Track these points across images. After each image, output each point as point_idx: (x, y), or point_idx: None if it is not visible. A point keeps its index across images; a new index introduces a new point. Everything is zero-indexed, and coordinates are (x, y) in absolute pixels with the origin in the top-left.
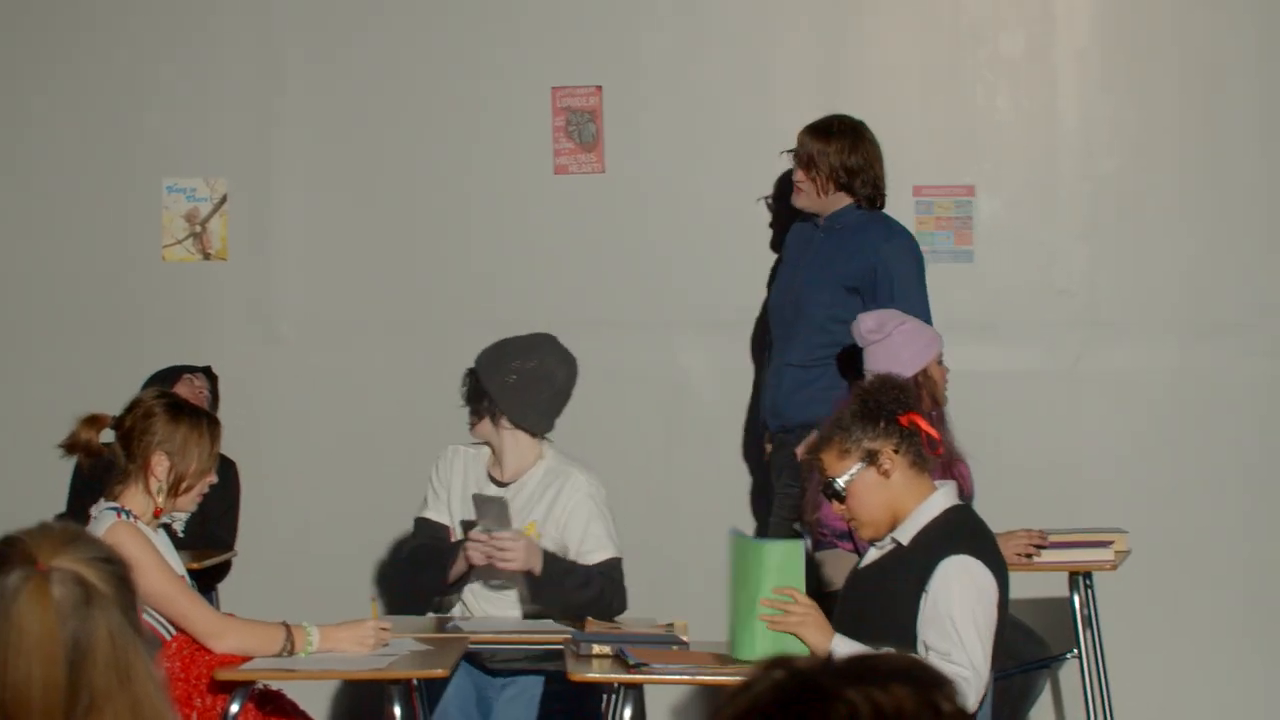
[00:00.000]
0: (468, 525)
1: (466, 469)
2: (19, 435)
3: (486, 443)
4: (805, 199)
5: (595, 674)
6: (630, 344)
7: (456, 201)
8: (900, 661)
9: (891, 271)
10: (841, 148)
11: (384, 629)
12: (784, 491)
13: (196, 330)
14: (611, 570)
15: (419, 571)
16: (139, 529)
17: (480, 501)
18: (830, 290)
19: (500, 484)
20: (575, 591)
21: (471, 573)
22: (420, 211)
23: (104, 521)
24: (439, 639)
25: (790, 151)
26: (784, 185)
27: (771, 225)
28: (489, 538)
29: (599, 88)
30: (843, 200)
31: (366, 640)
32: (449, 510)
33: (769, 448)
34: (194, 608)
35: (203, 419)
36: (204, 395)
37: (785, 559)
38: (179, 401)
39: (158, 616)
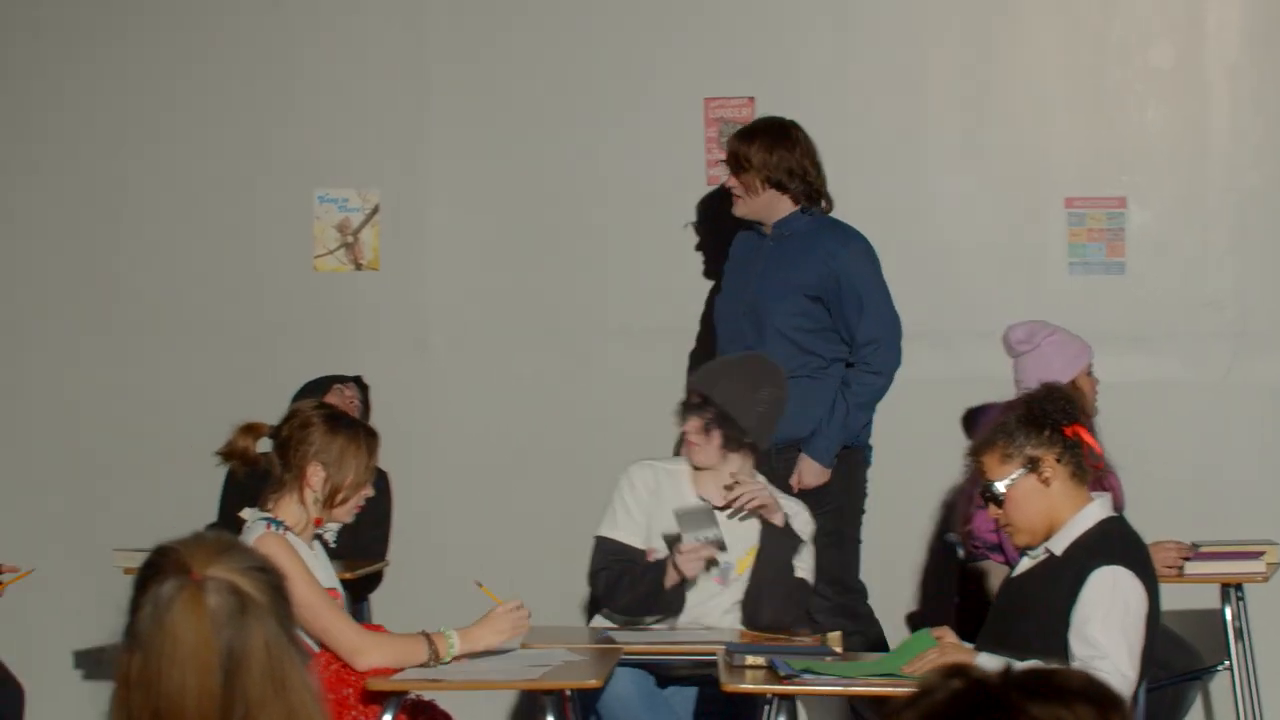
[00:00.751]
0: (671, 540)
1: (661, 486)
2: (172, 443)
3: (696, 464)
4: (743, 206)
5: (748, 685)
6: None
7: (608, 210)
8: (1077, 679)
9: (854, 279)
10: (766, 146)
11: (517, 608)
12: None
13: (348, 340)
14: (805, 584)
15: (619, 597)
16: (288, 541)
17: (684, 514)
18: (791, 300)
19: (716, 507)
20: (791, 575)
21: (685, 585)
22: (570, 220)
23: (254, 532)
24: (592, 649)
25: (723, 161)
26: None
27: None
28: (702, 545)
29: (751, 99)
30: (783, 204)
31: (503, 629)
32: (645, 531)
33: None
34: (337, 623)
35: (360, 431)
36: (355, 405)
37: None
38: (337, 413)
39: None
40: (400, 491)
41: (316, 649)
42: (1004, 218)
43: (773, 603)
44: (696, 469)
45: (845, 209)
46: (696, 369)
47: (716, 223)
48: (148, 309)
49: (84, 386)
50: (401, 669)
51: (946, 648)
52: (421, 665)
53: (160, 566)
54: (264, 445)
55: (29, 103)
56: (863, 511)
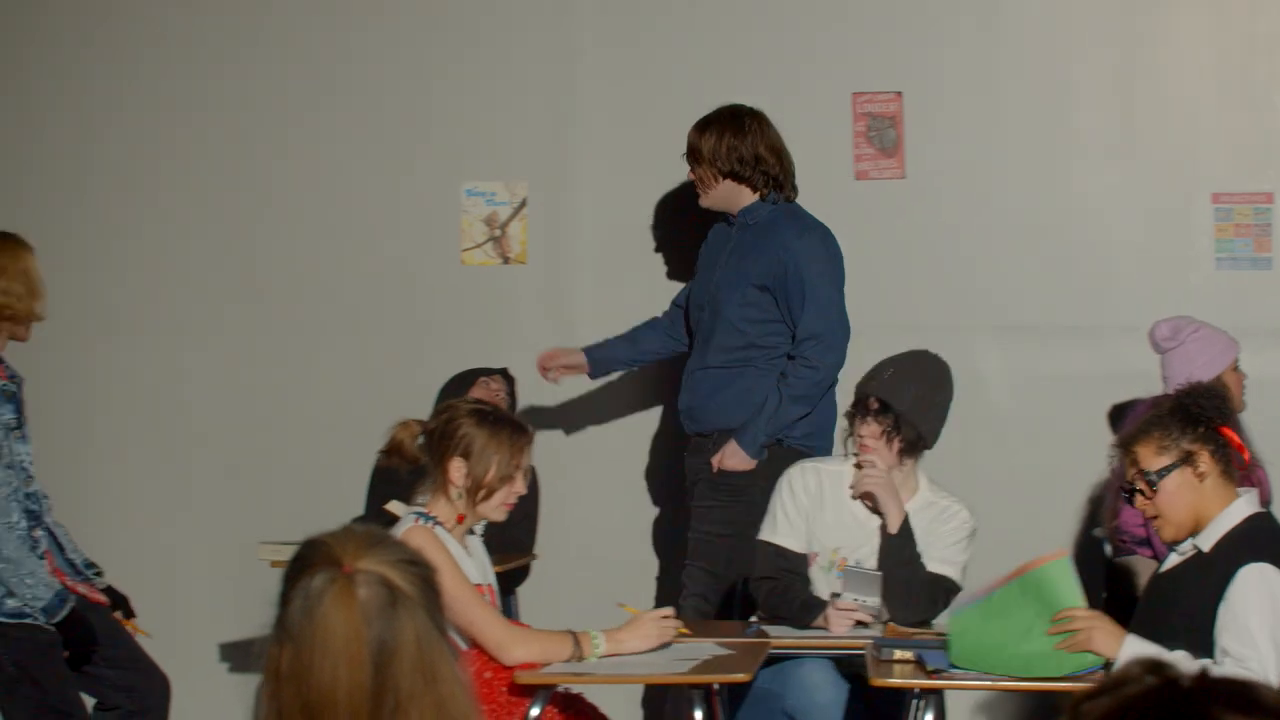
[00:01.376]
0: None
1: (823, 489)
2: (320, 437)
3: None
4: (705, 197)
5: (896, 679)
6: (929, 348)
7: None
8: (1273, 696)
9: (801, 270)
10: (716, 136)
11: (665, 618)
12: (701, 504)
13: (495, 335)
14: (943, 580)
15: (776, 611)
16: (436, 535)
17: (853, 573)
18: (741, 290)
19: (879, 513)
20: (916, 571)
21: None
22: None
23: (403, 526)
24: (740, 643)
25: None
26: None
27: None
28: (862, 607)
29: (899, 93)
30: (743, 194)
31: (650, 635)
32: (805, 536)
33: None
34: (485, 617)
35: (505, 427)
36: (502, 398)
37: (1057, 574)
38: (487, 409)
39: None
40: (547, 488)
41: (464, 645)
42: (1151, 213)
43: (897, 598)
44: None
45: (992, 202)
46: (873, 371)
47: (861, 219)
48: (297, 305)
49: (233, 382)
50: (548, 664)
51: (1096, 625)
52: (565, 662)
53: (310, 560)
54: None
55: (171, 99)
56: None
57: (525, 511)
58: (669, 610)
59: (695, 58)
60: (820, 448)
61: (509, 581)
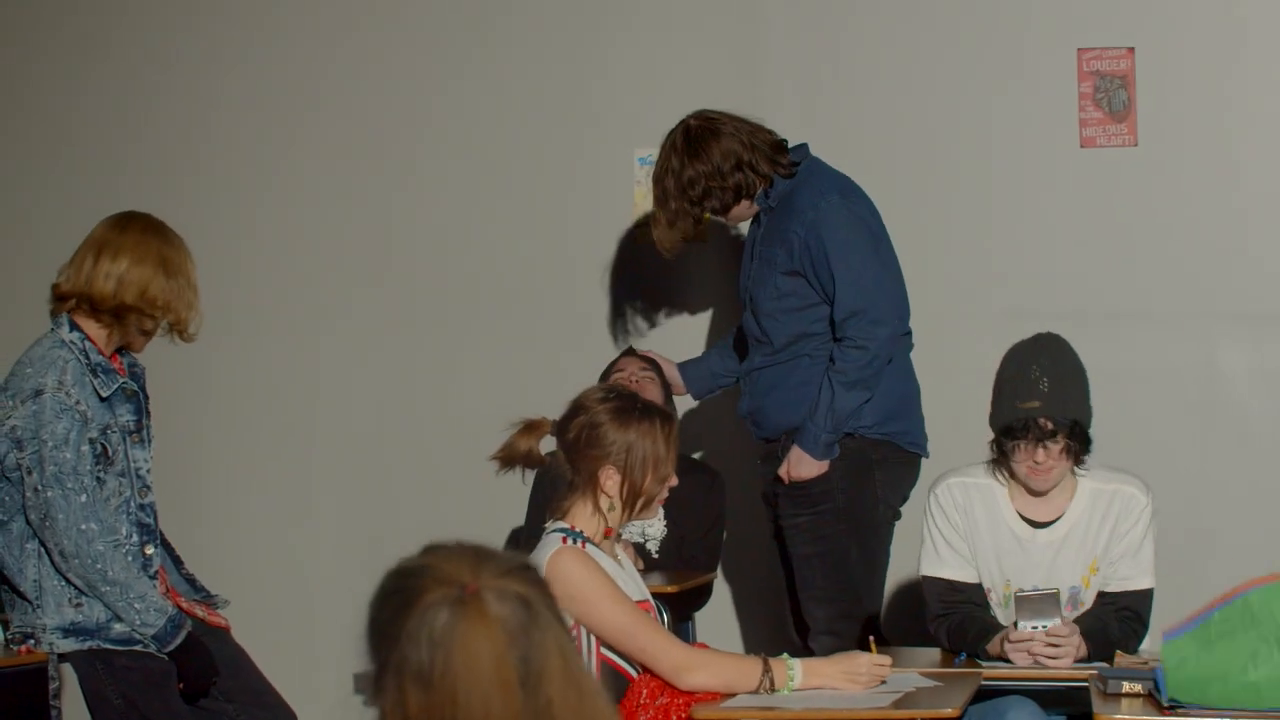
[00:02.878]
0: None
1: (971, 504)
2: (475, 445)
3: (1040, 491)
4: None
5: (1125, 715)
6: (1162, 340)
7: (970, 178)
8: None
9: (823, 242)
10: (675, 175)
11: (881, 664)
12: (788, 521)
13: (671, 317)
14: (1142, 605)
15: (961, 648)
16: (588, 554)
17: (1025, 600)
18: (772, 280)
19: (1040, 524)
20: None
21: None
22: (928, 188)
23: (549, 546)
24: (948, 674)
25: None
26: None
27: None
28: (1040, 634)
29: (1131, 49)
30: (741, 203)
31: (859, 676)
32: (972, 559)
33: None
34: (655, 639)
35: (655, 417)
36: (643, 382)
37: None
38: (625, 401)
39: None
40: (735, 492)
41: (638, 672)
42: None
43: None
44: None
45: (1236, 174)
46: (1017, 384)
47: (1087, 192)
48: (442, 293)
49: (369, 379)
50: (732, 694)
51: None
52: (750, 692)
53: (416, 588)
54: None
55: (302, 80)
56: (883, 523)
57: (707, 524)
58: (888, 659)
59: (896, 14)
60: (901, 433)
61: (683, 606)
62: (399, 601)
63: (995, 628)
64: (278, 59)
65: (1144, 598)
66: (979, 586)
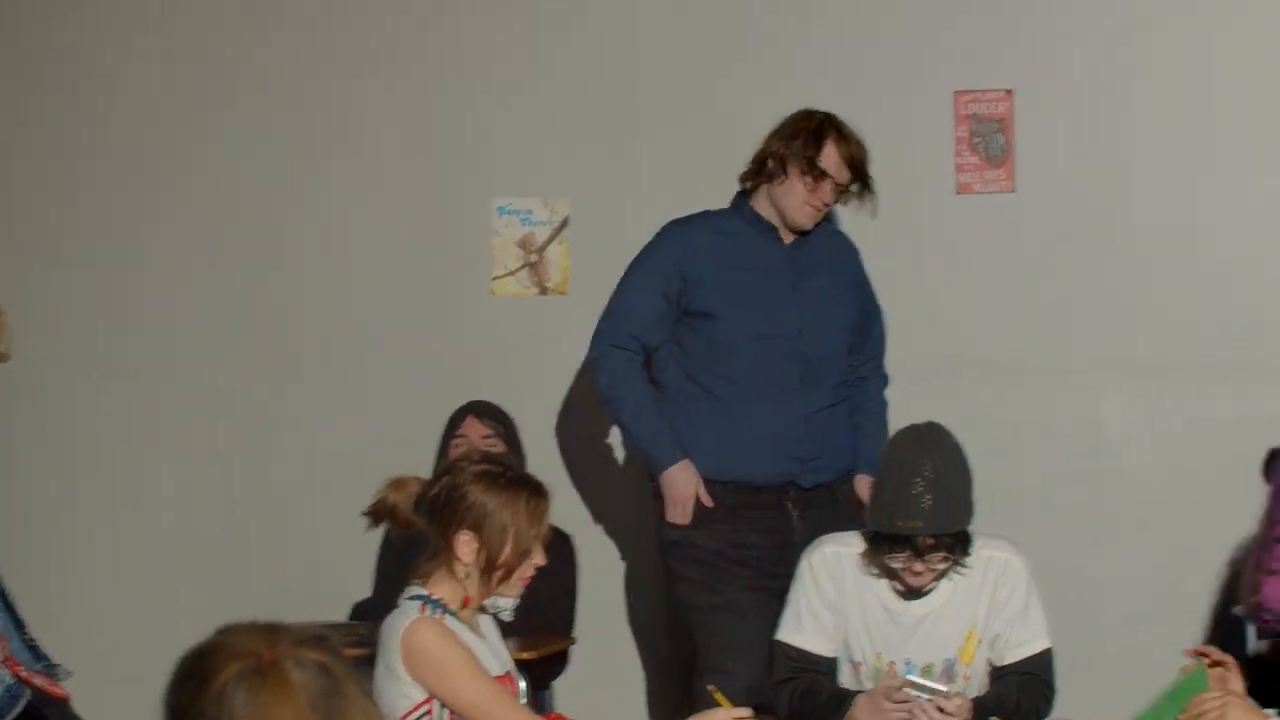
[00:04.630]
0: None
1: (848, 577)
2: (324, 500)
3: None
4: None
5: None
6: (1041, 391)
7: (843, 224)
8: None
9: (864, 273)
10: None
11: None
12: None
13: (530, 376)
14: (1042, 668)
15: (805, 716)
16: (445, 625)
17: (914, 686)
18: (846, 311)
19: (913, 595)
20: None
21: None
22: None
23: (406, 615)
24: None
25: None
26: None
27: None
28: (928, 701)
29: (1010, 92)
30: None
31: None
32: (832, 632)
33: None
34: (512, 716)
35: (523, 490)
36: (491, 444)
37: (1192, 684)
38: (498, 470)
39: None
40: (587, 558)
41: None
42: None
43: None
44: None
45: (1116, 222)
46: (897, 497)
47: (962, 239)
48: (300, 343)
49: (222, 432)
50: None
51: (1229, 702)
52: None
53: (211, 665)
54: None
55: (155, 114)
56: None
57: (560, 590)
58: (747, 712)
59: (773, 54)
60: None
61: (542, 673)
62: (196, 682)
63: (845, 694)
64: (134, 84)
65: (1043, 659)
66: (833, 661)
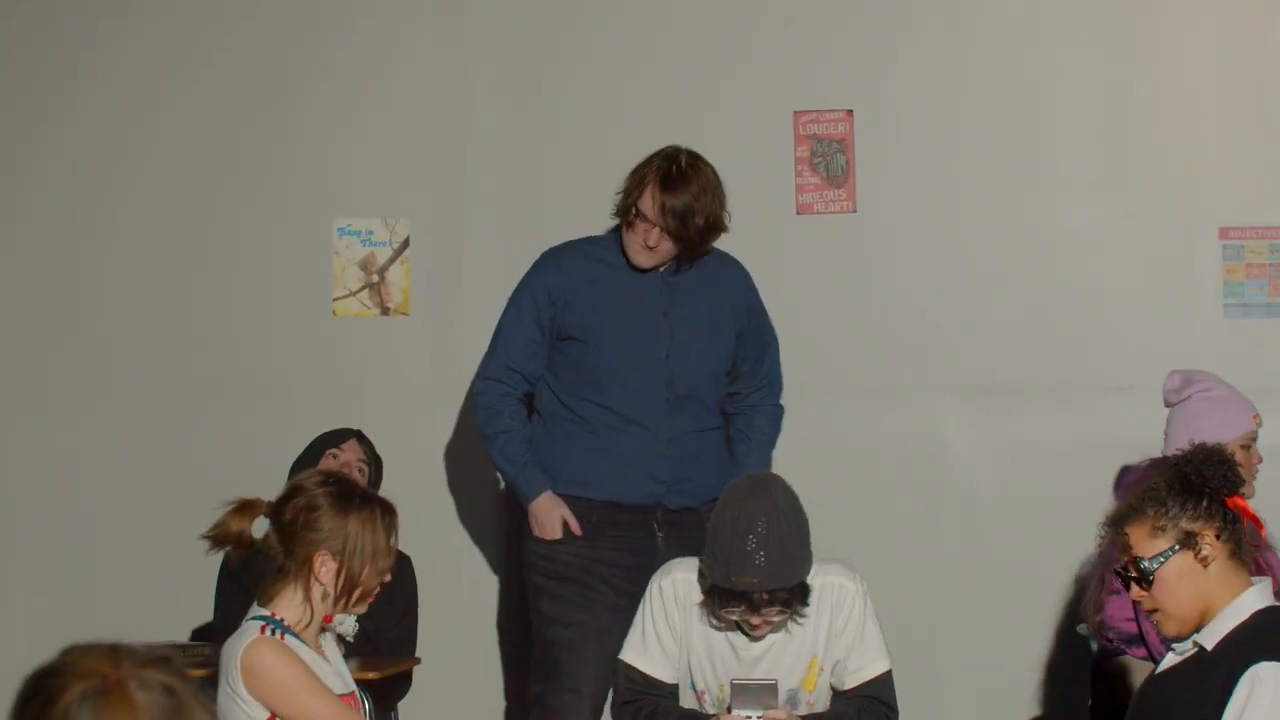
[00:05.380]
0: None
1: (694, 608)
2: (160, 519)
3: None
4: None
5: None
6: (881, 411)
7: None
8: None
9: (758, 302)
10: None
11: None
12: None
13: (372, 398)
14: (883, 690)
15: None
16: (286, 645)
17: (741, 688)
18: (723, 340)
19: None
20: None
21: None
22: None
23: (246, 635)
24: None
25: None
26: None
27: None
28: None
29: (849, 112)
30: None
31: None
32: (675, 657)
33: None
34: None
35: (376, 508)
36: (357, 469)
37: None
38: (347, 488)
39: None
40: (426, 576)
41: None
42: (1147, 252)
43: None
44: None
45: (958, 242)
46: (732, 553)
47: (803, 260)
48: (136, 364)
49: (69, 454)
50: None
51: None
52: None
53: (52, 687)
54: (261, 525)
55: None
56: None
57: (401, 609)
58: None
59: (607, 75)
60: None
61: (387, 694)
62: (40, 703)
63: (699, 718)
64: None
65: (883, 682)
66: (671, 686)
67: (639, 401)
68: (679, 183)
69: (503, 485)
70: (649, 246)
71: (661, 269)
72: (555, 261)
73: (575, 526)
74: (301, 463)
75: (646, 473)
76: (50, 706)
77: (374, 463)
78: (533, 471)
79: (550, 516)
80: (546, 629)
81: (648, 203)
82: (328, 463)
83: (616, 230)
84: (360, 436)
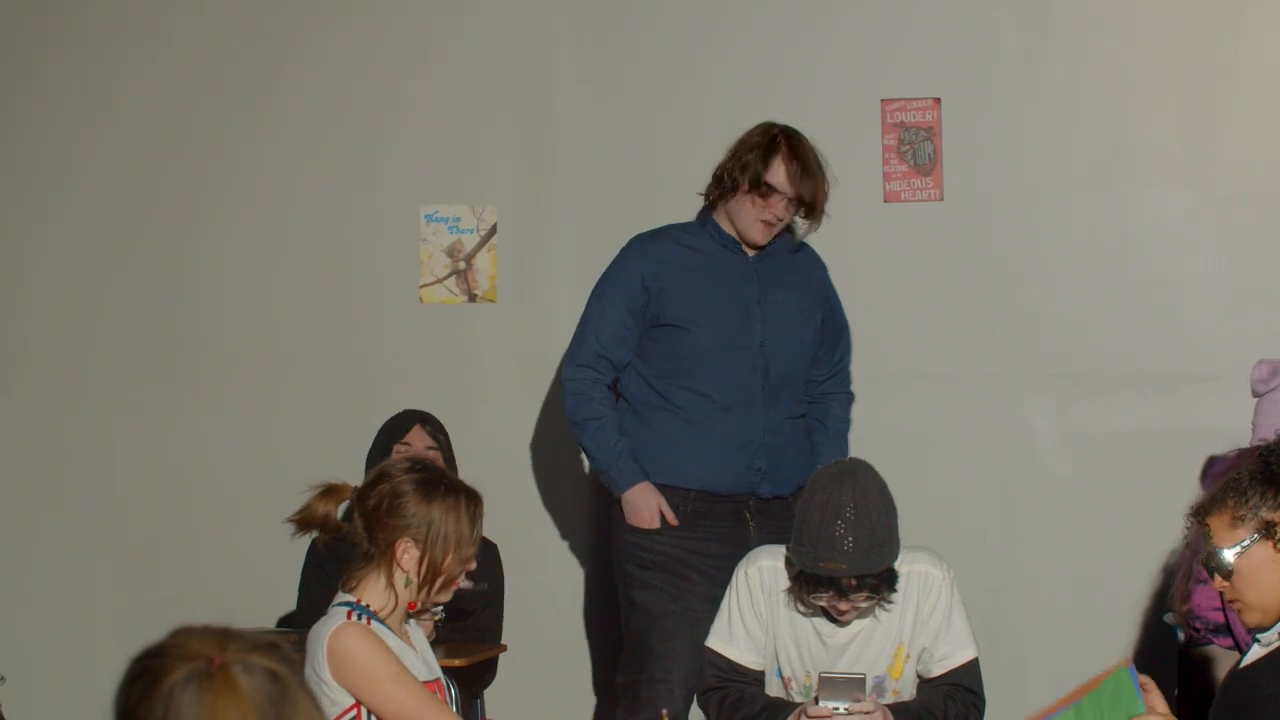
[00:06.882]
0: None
1: (782, 595)
2: (249, 510)
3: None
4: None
5: None
6: (968, 400)
7: None
8: None
9: (832, 286)
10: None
11: None
12: None
13: (458, 385)
14: (970, 678)
15: None
16: (372, 631)
17: (829, 680)
18: (811, 323)
19: (839, 621)
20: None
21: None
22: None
23: (332, 621)
24: None
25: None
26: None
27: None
28: (840, 714)
29: (937, 100)
30: None
31: None
32: (763, 644)
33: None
34: None
35: (461, 496)
36: (429, 454)
37: (1117, 687)
38: (433, 475)
39: None
40: (512, 566)
41: None
42: (1232, 240)
43: None
44: None
45: (1043, 230)
46: (819, 538)
47: (889, 248)
48: (222, 350)
49: (144, 442)
50: None
51: None
52: None
53: (159, 668)
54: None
55: (82, 108)
56: None
57: (488, 598)
58: None
59: (690, 62)
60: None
61: (472, 682)
62: (145, 682)
63: (780, 704)
64: (48, 97)
65: (970, 669)
66: (759, 674)
67: (736, 388)
68: (804, 152)
69: (587, 469)
70: (772, 220)
71: (751, 255)
72: (647, 248)
73: (671, 517)
74: (373, 456)
75: (743, 460)
76: (155, 687)
77: (443, 442)
78: (627, 460)
79: (647, 506)
80: (639, 619)
81: (778, 174)
82: (402, 449)
83: (703, 217)
84: (424, 419)
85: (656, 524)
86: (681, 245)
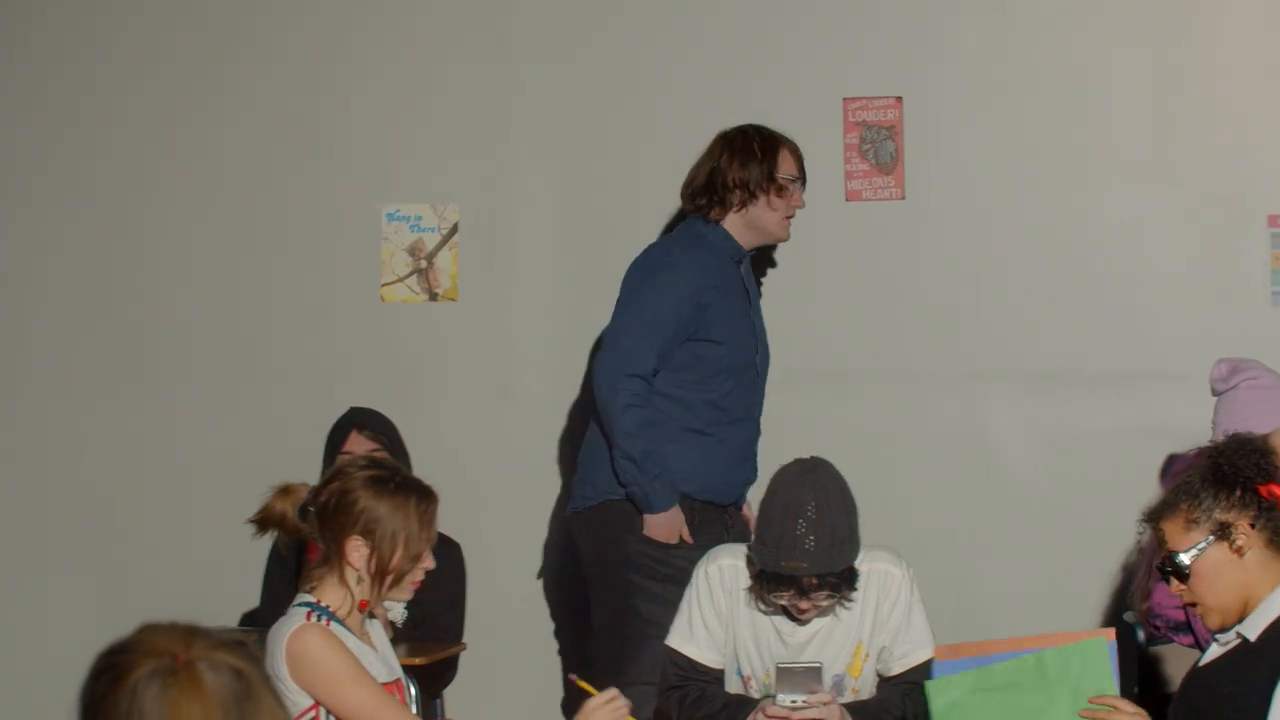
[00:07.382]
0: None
1: (741, 594)
2: (209, 505)
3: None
4: None
5: None
6: (930, 399)
7: None
8: None
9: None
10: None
11: (611, 700)
12: None
13: (419, 384)
14: (928, 677)
15: None
16: (331, 632)
17: (786, 671)
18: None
19: (799, 619)
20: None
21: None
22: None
23: (291, 622)
24: None
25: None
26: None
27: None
28: (799, 706)
29: (899, 99)
30: None
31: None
32: (723, 642)
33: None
34: None
35: (411, 494)
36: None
37: (1092, 656)
38: (385, 472)
39: None
40: (475, 564)
41: None
42: (1195, 239)
43: None
44: None
45: (1006, 229)
46: (780, 537)
47: (851, 247)
48: (182, 348)
49: (106, 440)
50: None
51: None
52: None
53: (123, 665)
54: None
55: (40, 108)
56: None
57: (449, 597)
58: (615, 692)
59: (651, 61)
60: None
61: (433, 681)
62: (110, 678)
63: (740, 702)
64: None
65: (928, 669)
66: (719, 672)
67: (744, 401)
68: (783, 135)
69: (558, 471)
70: (794, 212)
71: (741, 264)
72: (697, 261)
73: (688, 536)
74: (325, 463)
75: (742, 471)
76: (119, 683)
77: (386, 442)
78: (667, 480)
79: (672, 525)
80: (638, 627)
81: (790, 164)
82: (353, 444)
83: (707, 228)
84: (360, 423)
85: (675, 540)
86: (715, 258)
